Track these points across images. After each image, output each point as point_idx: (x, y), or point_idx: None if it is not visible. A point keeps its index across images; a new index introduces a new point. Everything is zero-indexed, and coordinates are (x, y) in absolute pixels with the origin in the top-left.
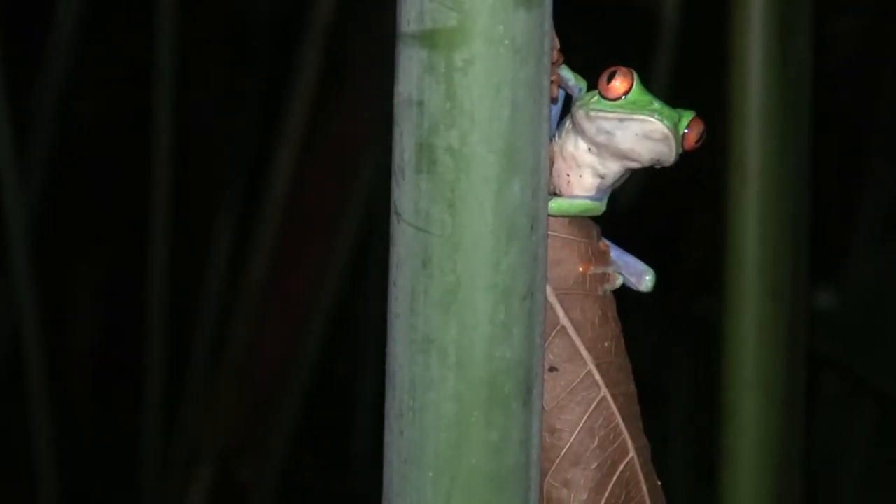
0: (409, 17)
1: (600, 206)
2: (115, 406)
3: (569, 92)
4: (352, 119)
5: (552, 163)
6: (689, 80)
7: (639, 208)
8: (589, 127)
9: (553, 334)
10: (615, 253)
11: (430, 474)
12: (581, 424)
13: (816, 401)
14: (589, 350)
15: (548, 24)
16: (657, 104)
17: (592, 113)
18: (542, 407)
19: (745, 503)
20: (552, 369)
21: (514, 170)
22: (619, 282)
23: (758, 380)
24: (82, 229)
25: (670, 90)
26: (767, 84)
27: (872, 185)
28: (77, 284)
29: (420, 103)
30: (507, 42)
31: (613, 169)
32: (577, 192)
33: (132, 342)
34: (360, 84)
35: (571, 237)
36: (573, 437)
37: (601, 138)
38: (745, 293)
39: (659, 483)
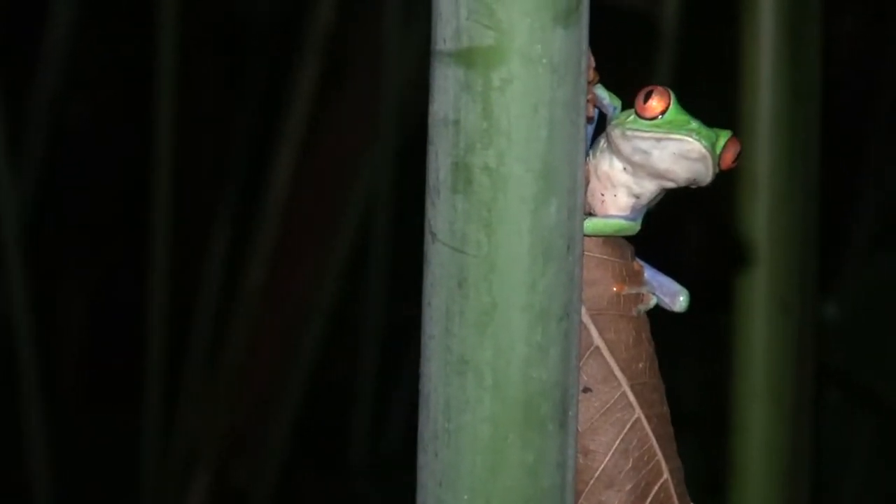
0: (446, 36)
1: (635, 226)
2: (113, 408)
3: (603, 111)
4: (351, 121)
5: (587, 182)
6: (690, 87)
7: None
8: (625, 146)
9: (587, 355)
10: (649, 273)
11: (466, 497)
12: (615, 446)
13: (820, 410)
14: (623, 371)
15: (585, 42)
16: (695, 124)
17: (629, 132)
18: (577, 429)
19: None
20: (586, 390)
21: (551, 190)
22: (652, 302)
23: (767, 392)
24: (80, 230)
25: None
26: (778, 93)
27: (868, 193)
28: (75, 285)
29: (456, 122)
30: (545, 61)
31: (649, 188)
32: (612, 211)
33: (130, 343)
34: (360, 86)
35: (606, 257)
36: (607, 459)
37: (637, 158)
38: (755, 305)
39: None
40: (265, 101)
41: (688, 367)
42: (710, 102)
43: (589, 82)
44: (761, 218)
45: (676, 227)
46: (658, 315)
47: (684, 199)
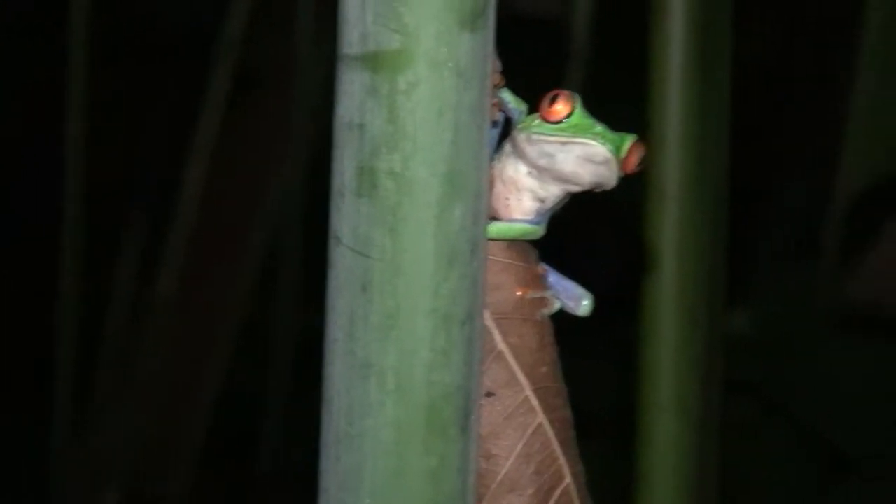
0: (352, 40)
1: (539, 230)
2: (22, 419)
3: (509, 115)
4: (263, 130)
5: (492, 186)
6: (601, 96)
7: (554, 230)
8: (530, 150)
9: (490, 359)
10: (552, 277)
11: (367, 501)
12: (518, 450)
13: (728, 423)
14: (526, 375)
15: (490, 46)
16: (599, 128)
17: (534, 136)
18: (479, 433)
19: None
20: (489, 394)
21: (456, 194)
22: (556, 306)
23: (674, 403)
24: None
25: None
26: (687, 104)
27: (776, 207)
28: None
29: (361, 126)
30: (450, 65)
31: (553, 192)
32: (517, 215)
33: (39, 357)
34: (272, 97)
35: (509, 261)
36: (509, 463)
37: (542, 161)
38: (663, 316)
39: None
40: (177, 110)
41: (597, 374)
42: (620, 111)
43: (494, 86)
44: (669, 228)
45: (586, 236)
46: (569, 322)
47: (594, 208)
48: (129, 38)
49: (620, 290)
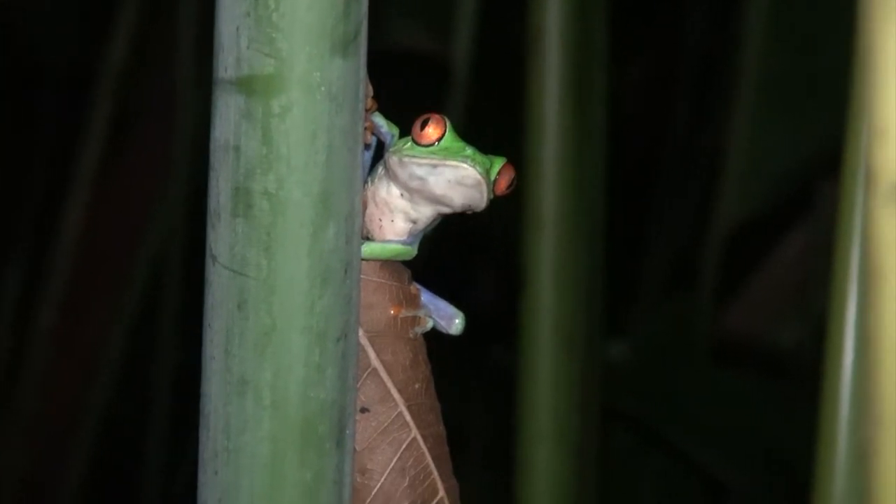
0: (227, 64)
1: (412, 251)
2: None
3: (381, 138)
4: (143, 166)
5: (365, 208)
6: (480, 128)
7: (434, 255)
8: (402, 173)
9: (365, 376)
10: (426, 296)
11: None
12: (392, 465)
13: (607, 452)
14: (400, 391)
15: (362, 71)
16: (469, 150)
17: (406, 159)
18: (354, 447)
19: None
20: (363, 410)
21: (329, 215)
22: (429, 325)
23: (552, 431)
24: None
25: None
26: (563, 134)
27: (658, 237)
28: None
29: (237, 148)
30: (323, 89)
31: (425, 214)
32: (390, 236)
33: None
34: (153, 130)
35: (383, 280)
36: (384, 478)
37: (414, 184)
38: (540, 344)
39: None
40: (56, 146)
41: (476, 401)
42: (498, 141)
43: (367, 110)
44: (546, 255)
45: (462, 262)
46: (446, 348)
47: (473, 235)
48: (6, 69)
49: (497, 317)
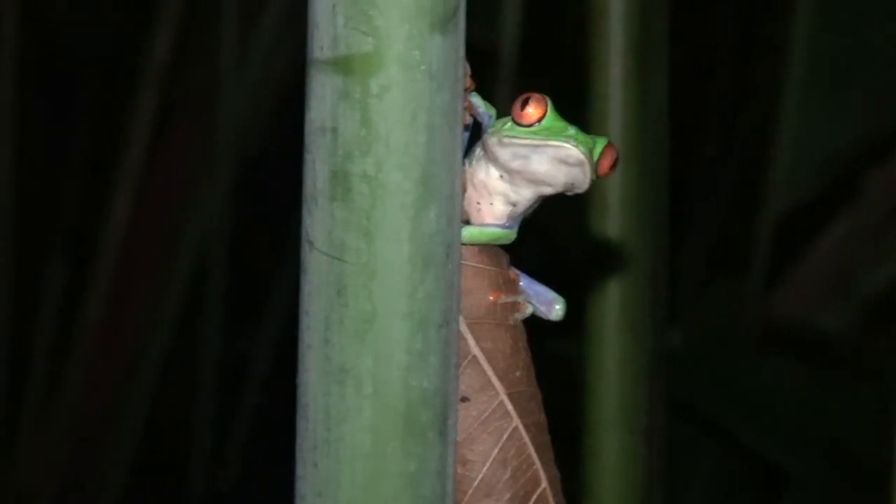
0: (323, 43)
1: (511, 234)
2: None
3: (479, 119)
4: (187, 157)
5: (463, 191)
6: None
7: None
8: (502, 153)
9: (465, 364)
10: (525, 281)
11: None
12: (493, 455)
13: (667, 441)
14: (501, 380)
15: (461, 49)
16: (572, 130)
17: (506, 139)
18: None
19: None
20: (464, 399)
21: (430, 197)
22: (529, 311)
23: (619, 419)
24: None
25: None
26: (626, 119)
27: (702, 224)
28: None
29: (334, 130)
30: (423, 68)
31: (525, 196)
32: (488, 220)
33: None
34: (196, 121)
35: (482, 266)
36: (485, 469)
37: (516, 164)
38: (606, 332)
39: None
40: (101, 136)
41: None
42: None
43: (465, 89)
44: (611, 242)
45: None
46: None
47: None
48: (52, 64)
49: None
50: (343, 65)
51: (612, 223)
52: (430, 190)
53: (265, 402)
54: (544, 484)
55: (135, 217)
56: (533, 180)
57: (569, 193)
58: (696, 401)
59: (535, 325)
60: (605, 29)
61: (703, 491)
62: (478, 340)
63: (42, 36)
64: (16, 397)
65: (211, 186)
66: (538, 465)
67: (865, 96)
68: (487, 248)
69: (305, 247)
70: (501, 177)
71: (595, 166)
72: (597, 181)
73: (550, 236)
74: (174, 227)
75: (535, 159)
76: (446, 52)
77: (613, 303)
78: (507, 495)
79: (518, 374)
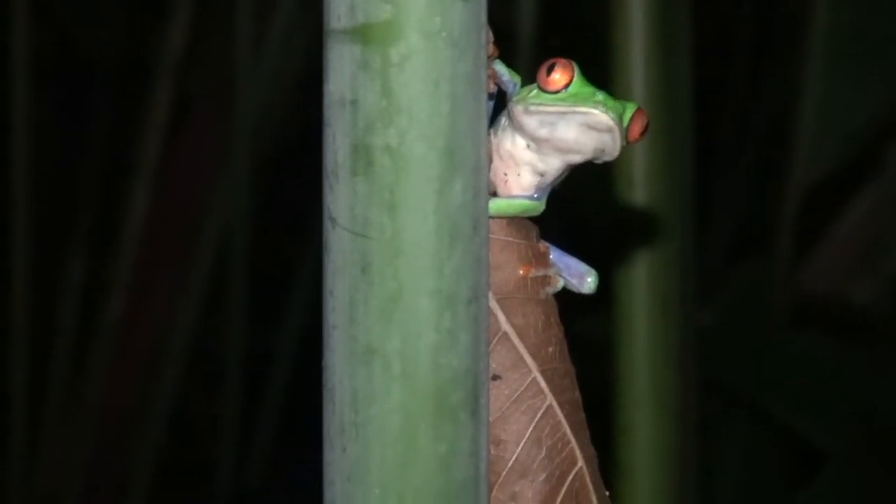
0: (340, 12)
1: (539, 206)
2: None
3: (503, 87)
4: (205, 148)
5: (489, 161)
6: None
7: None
8: (529, 122)
9: (495, 341)
10: (555, 254)
11: (377, 492)
12: (527, 434)
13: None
14: (533, 356)
15: (484, 15)
16: (601, 95)
17: (533, 107)
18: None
19: None
20: (495, 377)
21: (455, 169)
22: (560, 284)
23: (651, 397)
24: None
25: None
26: (650, 94)
27: (719, 204)
28: None
29: (354, 102)
30: (444, 35)
31: (554, 165)
32: (516, 191)
33: None
34: (213, 112)
35: (510, 239)
36: (519, 449)
37: (543, 132)
38: (636, 311)
39: (607, 493)
40: (118, 132)
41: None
42: None
43: (489, 57)
44: (639, 218)
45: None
46: None
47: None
48: (67, 56)
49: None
50: (361, 34)
51: (638, 196)
52: (455, 161)
53: (290, 398)
54: (581, 463)
55: (154, 212)
56: (561, 148)
57: (598, 161)
58: (727, 378)
59: (562, 303)
60: (628, 6)
61: (737, 467)
62: (508, 316)
63: (56, 32)
64: (38, 397)
65: (229, 179)
66: (574, 443)
67: (887, 70)
68: (516, 221)
69: (328, 224)
70: (528, 146)
71: (625, 132)
72: (623, 151)
73: (575, 209)
74: (194, 222)
75: (563, 126)
76: (468, 17)
77: (642, 277)
78: (543, 475)
79: (551, 349)
